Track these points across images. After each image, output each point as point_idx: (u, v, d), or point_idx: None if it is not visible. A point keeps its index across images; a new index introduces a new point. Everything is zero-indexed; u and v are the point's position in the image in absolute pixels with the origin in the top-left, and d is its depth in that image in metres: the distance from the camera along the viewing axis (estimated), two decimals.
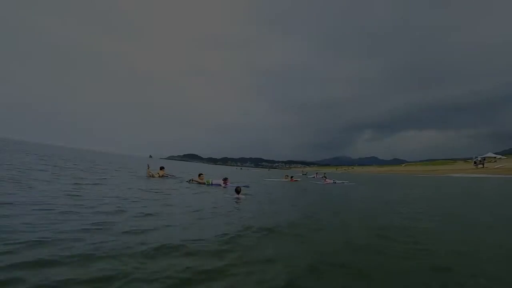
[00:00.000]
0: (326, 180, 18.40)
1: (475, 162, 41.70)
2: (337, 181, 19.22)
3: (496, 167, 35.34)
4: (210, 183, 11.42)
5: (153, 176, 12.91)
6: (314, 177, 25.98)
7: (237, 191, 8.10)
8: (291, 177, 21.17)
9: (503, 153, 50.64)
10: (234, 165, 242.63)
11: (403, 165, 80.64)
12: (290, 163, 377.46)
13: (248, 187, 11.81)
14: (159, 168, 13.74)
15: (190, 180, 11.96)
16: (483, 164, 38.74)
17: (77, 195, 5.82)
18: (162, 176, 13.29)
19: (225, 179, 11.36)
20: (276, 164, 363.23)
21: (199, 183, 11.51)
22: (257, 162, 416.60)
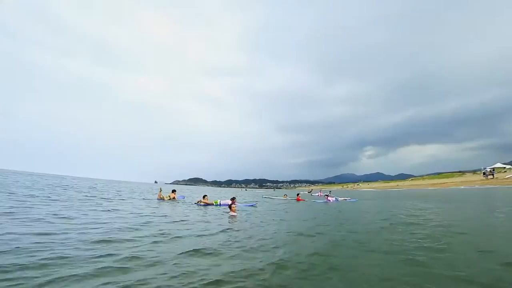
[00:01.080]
0: (328, 198, 18.42)
1: (484, 173, 40.91)
2: (339, 198, 19.22)
3: (507, 177, 34.61)
4: (219, 203, 11.75)
5: (163, 199, 13.99)
6: (318, 195, 25.77)
7: (231, 208, 8.57)
8: (298, 194, 21.22)
9: (510, 163, 49.82)
10: (238, 187, 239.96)
11: (410, 179, 79.17)
12: (294, 182, 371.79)
13: (254, 206, 12.15)
14: (171, 191, 14.82)
15: (198, 202, 12.38)
16: (493, 174, 37.98)
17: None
18: (173, 198, 14.21)
19: (233, 199, 11.60)
20: (281, 184, 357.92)
21: (207, 204, 11.90)
22: (261, 183, 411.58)
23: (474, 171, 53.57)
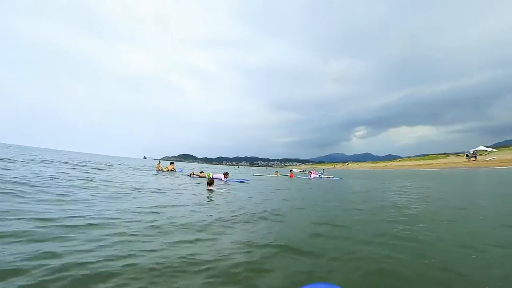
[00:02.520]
0: (312, 174, 18.76)
1: (467, 155, 42.41)
2: (322, 176, 19.56)
3: (488, 159, 35.99)
4: (211, 176, 12.00)
5: (162, 170, 15.40)
6: (311, 172, 26.08)
7: (209, 183, 8.41)
8: (290, 171, 21.82)
9: (494, 146, 51.79)
10: (229, 164, 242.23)
11: (397, 160, 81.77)
12: (285, 161, 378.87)
13: (245, 181, 12.26)
14: (169, 163, 16.22)
15: (190, 174, 13.32)
16: (475, 157, 39.43)
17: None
18: (171, 170, 15.52)
19: (225, 174, 12.50)
20: (272, 162, 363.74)
21: (200, 176, 12.82)
22: (252, 161, 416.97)
23: (457, 154, 55.51)
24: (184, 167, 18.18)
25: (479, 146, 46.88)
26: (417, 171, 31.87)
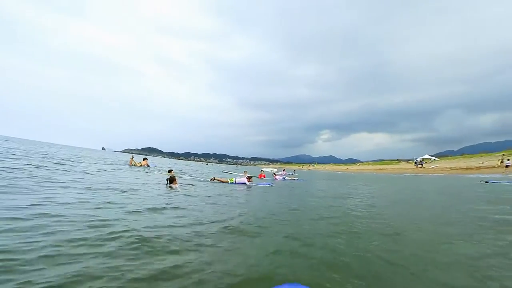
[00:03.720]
0: (276, 176, 18.92)
1: (415, 163, 47.71)
2: (286, 177, 19.90)
3: (431, 167, 41.04)
4: (234, 181, 11.38)
5: (135, 165, 15.33)
6: (281, 174, 26.84)
7: (171, 180, 7.92)
8: (261, 170, 21.86)
9: (437, 155, 59.13)
10: (197, 161, 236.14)
11: (358, 164, 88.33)
12: (255, 159, 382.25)
13: (272, 185, 11.85)
14: (142, 159, 16.24)
15: (212, 179, 11.86)
16: (421, 164, 44.62)
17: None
18: (146, 165, 15.52)
19: (249, 177, 11.56)
20: (241, 160, 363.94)
21: (222, 181, 11.63)
22: (222, 158, 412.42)
23: (407, 160, 62.03)
24: (151, 161, 17.31)
25: (425, 154, 53.05)
26: (375, 175, 35.01)
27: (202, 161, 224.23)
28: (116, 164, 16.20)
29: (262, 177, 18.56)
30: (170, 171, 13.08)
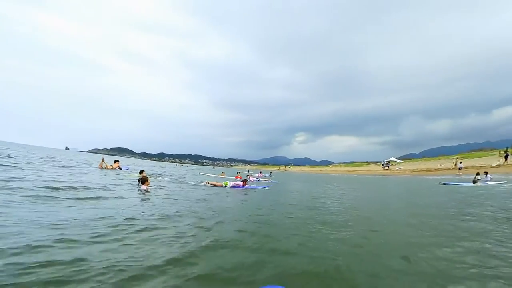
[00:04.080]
0: (250, 177, 19.20)
1: (382, 165, 51.05)
2: (260, 179, 20.25)
3: (397, 168, 44.24)
4: (228, 185, 11.00)
5: (106, 168, 14.06)
6: (258, 175, 26.96)
7: (143, 181, 7.75)
8: (238, 172, 21.71)
9: (401, 157, 63.87)
10: (172, 161, 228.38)
11: (331, 166, 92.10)
12: (231, 161, 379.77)
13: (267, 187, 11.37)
14: (113, 161, 15.01)
15: (206, 183, 11.38)
16: (388, 166, 47.92)
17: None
18: (118, 168, 14.46)
19: (244, 181, 11.26)
20: (217, 161, 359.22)
21: (216, 185, 11.11)
22: (197, 159, 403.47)
23: (376, 162, 66.10)
24: (124, 164, 16.30)
25: (391, 157, 57.01)
26: (347, 176, 36.74)
27: (177, 162, 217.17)
28: (72, 166, 14.84)
29: (238, 178, 18.80)
30: (141, 172, 12.40)
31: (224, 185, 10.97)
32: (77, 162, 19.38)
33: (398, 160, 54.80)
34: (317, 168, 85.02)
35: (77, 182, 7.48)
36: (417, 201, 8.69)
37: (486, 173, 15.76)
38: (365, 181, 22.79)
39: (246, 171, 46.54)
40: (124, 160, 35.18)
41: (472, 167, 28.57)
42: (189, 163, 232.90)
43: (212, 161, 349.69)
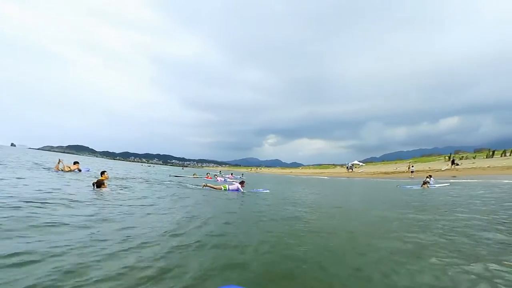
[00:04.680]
0: (218, 178, 19.52)
1: (347, 167, 54.40)
2: (228, 179, 20.66)
3: (359, 171, 47.54)
4: (227, 189, 10.97)
5: (63, 170, 12.70)
6: (229, 177, 26.83)
7: (98, 185, 6.96)
8: (207, 173, 21.60)
9: (363, 161, 68.77)
10: (138, 161, 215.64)
11: (300, 168, 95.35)
12: (202, 161, 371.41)
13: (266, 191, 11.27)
14: (73, 163, 13.56)
15: (204, 186, 11.28)
16: (352, 169, 51.28)
17: None
18: (74, 170, 13.04)
19: (242, 182, 11.16)
20: (187, 162, 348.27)
21: (215, 188, 11.09)
22: (166, 159, 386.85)
23: (341, 165, 70.15)
24: (80, 162, 14.78)
25: (355, 160, 61.06)
26: (315, 178, 38.37)
27: (144, 162, 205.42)
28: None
29: (209, 178, 18.96)
30: (103, 173, 11.43)
31: (223, 188, 11.04)
32: (23, 161, 17.27)
33: (361, 163, 58.92)
34: (287, 170, 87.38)
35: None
36: (376, 200, 9.48)
37: (430, 176, 17.80)
38: (332, 183, 24.09)
39: (217, 172, 45.97)
40: (83, 160, 32.12)
41: (422, 171, 31.93)
42: (157, 163, 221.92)
43: (182, 162, 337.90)
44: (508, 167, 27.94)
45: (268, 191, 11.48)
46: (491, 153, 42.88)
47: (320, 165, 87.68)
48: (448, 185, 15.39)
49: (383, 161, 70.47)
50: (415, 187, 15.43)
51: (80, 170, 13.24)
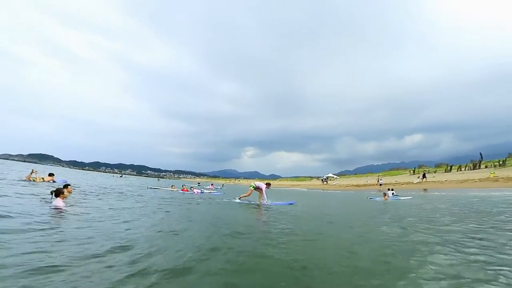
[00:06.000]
0: (195, 190, 19.58)
1: (322, 180, 56.30)
2: (204, 191, 20.87)
3: (333, 183, 49.44)
4: (254, 186, 11.33)
5: (35, 180, 12.10)
6: (209, 188, 26.78)
7: (57, 194, 6.10)
8: (183, 185, 21.63)
9: (338, 174, 71.66)
10: (110, 172, 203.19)
11: (278, 179, 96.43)
12: (179, 172, 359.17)
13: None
14: (47, 175, 13.07)
15: (238, 198, 11.87)
16: (326, 181, 53.22)
17: None
18: (49, 181, 12.54)
19: (268, 184, 11.73)
20: (163, 173, 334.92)
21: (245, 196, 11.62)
22: (141, 170, 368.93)
23: (317, 177, 72.31)
24: (43, 171, 13.88)
25: (329, 173, 63.47)
26: (295, 190, 39.13)
27: (116, 173, 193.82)
28: None
29: (185, 191, 18.70)
30: (66, 186, 10.59)
31: (251, 187, 11.34)
32: None
33: (335, 176, 61.37)
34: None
35: None
36: (349, 211, 10.16)
37: (391, 189, 19.42)
38: (310, 195, 24.89)
39: (196, 184, 44.98)
40: (47, 169, 29.63)
41: (389, 183, 34.19)
42: (131, 174, 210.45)
43: (158, 173, 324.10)
44: (462, 181, 31.02)
45: (294, 203, 11.64)
46: (449, 168, 47.28)
47: (297, 177, 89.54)
48: (410, 198, 16.75)
49: (355, 174, 74.04)
50: (378, 199, 16.69)
51: (55, 181, 12.60)
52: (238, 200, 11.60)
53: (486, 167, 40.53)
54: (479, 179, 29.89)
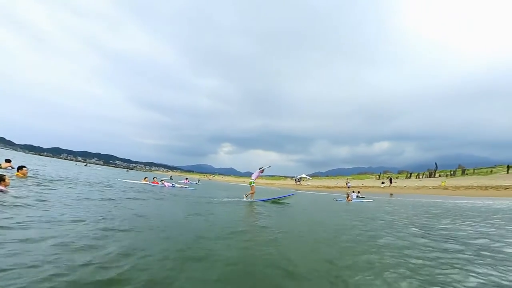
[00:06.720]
0: (166, 183, 19.47)
1: (295, 180, 58.20)
2: (176, 185, 20.90)
3: (306, 184, 51.43)
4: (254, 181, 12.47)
5: None
6: (184, 182, 26.51)
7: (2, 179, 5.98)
8: (154, 178, 21.04)
9: (311, 175, 74.50)
10: (73, 160, 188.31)
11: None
12: (151, 164, 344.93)
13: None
14: (4, 161, 12.23)
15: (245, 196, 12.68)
16: (300, 181, 55.12)
17: None
18: (6, 168, 11.67)
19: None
20: (134, 164, 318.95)
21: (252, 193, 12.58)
22: (108, 160, 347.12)
23: (291, 177, 74.44)
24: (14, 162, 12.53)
25: (302, 174, 65.74)
26: (268, 188, 39.95)
27: (80, 161, 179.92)
28: None
29: (156, 184, 18.72)
30: (21, 167, 9.96)
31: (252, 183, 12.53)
32: None
33: (308, 177, 63.73)
34: (241, 179, 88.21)
35: None
36: (317, 211, 10.86)
37: (357, 192, 21.00)
38: (281, 194, 25.66)
39: (168, 177, 43.80)
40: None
41: (357, 186, 36.59)
42: (96, 163, 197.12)
43: (127, 163, 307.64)
44: (419, 187, 34.30)
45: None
46: (409, 175, 51.78)
47: (272, 176, 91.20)
48: (371, 201, 18.21)
49: (327, 176, 77.60)
50: (343, 200, 17.98)
51: (13, 168, 11.50)
52: (245, 199, 12.52)
53: (439, 176, 45.16)
54: (433, 186, 33.33)
